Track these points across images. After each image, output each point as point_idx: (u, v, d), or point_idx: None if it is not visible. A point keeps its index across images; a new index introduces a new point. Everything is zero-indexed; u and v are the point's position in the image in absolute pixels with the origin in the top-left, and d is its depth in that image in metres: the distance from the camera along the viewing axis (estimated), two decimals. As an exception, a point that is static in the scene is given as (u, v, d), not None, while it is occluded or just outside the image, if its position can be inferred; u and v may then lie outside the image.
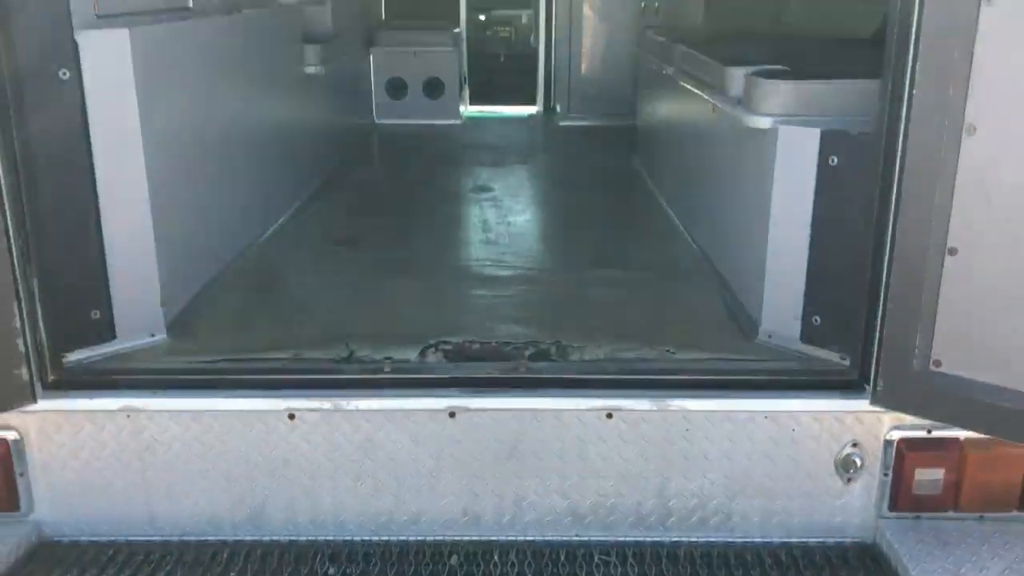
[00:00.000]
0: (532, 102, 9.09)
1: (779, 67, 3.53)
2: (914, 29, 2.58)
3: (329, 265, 4.29)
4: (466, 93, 8.77)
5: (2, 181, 2.74)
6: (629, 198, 5.67)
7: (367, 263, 4.30)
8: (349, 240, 4.65)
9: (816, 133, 3.10)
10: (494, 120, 8.72)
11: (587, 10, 8.29)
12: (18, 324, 2.82)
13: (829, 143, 3.07)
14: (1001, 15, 2.44)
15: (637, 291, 3.93)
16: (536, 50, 8.98)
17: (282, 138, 5.03)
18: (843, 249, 3.08)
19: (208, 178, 3.88)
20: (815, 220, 3.16)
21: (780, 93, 3.27)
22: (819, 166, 3.10)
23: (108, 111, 3.09)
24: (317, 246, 4.59)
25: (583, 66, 8.29)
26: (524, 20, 9.68)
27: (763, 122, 3.28)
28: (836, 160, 3.06)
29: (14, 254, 2.80)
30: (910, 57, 2.61)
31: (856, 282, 2.98)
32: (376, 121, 8.13)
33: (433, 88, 8.14)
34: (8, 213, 2.76)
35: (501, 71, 9.59)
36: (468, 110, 8.77)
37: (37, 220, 2.90)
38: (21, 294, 2.84)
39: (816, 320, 3.25)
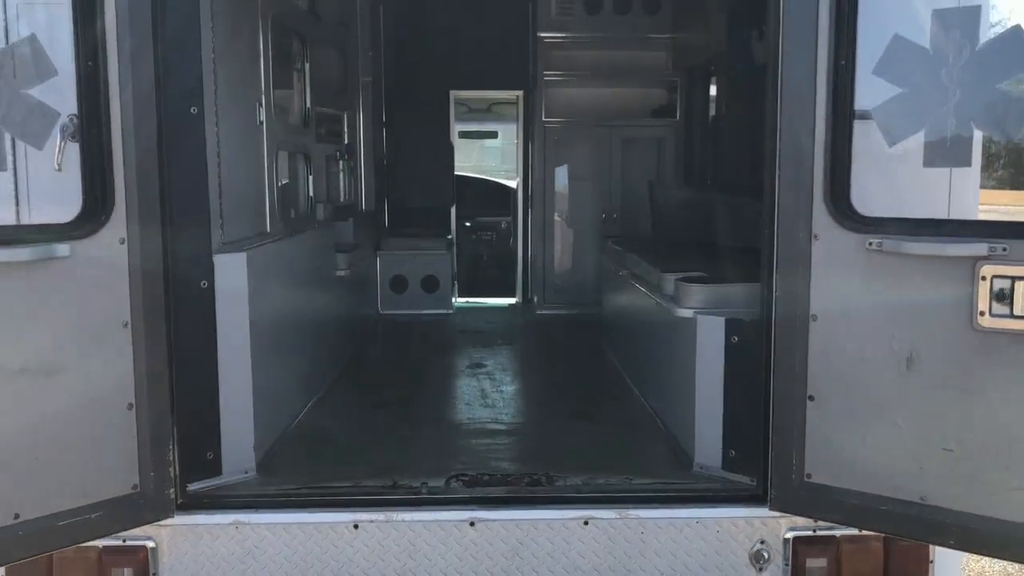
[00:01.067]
0: (512, 294, 10.58)
1: (699, 274, 4.97)
2: (775, 252, 4.01)
3: (368, 422, 5.54)
4: (456, 287, 10.25)
5: (167, 362, 4.01)
6: (596, 371, 7.00)
7: (396, 421, 5.55)
8: (378, 404, 5.92)
9: (722, 320, 4.48)
10: (480, 309, 10.18)
11: (557, 218, 9.94)
12: (171, 457, 4.03)
13: (731, 327, 4.45)
14: (824, 246, 3.87)
15: (603, 438, 5.20)
16: (515, 250, 10.58)
17: (323, 325, 6.38)
18: (747, 401, 4.38)
19: (283, 356, 5.18)
20: (726, 381, 4.49)
21: (698, 293, 4.69)
22: (726, 343, 4.47)
23: (228, 309, 4.41)
24: (355, 409, 5.85)
25: (555, 264, 9.84)
26: (504, 225, 11.33)
27: (687, 313, 4.68)
28: (736, 339, 4.43)
29: (172, 421, 4.05)
30: (774, 269, 4.02)
31: (756, 424, 4.26)
32: (380, 312, 9.54)
33: (429, 284, 9.60)
34: (168, 384, 4.02)
35: (485, 268, 11.15)
36: (458, 301, 10.22)
37: (180, 388, 4.14)
38: (173, 444, 4.06)
39: (732, 453, 4.51)
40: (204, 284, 4.32)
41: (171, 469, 4.04)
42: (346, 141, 8.58)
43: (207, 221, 4.32)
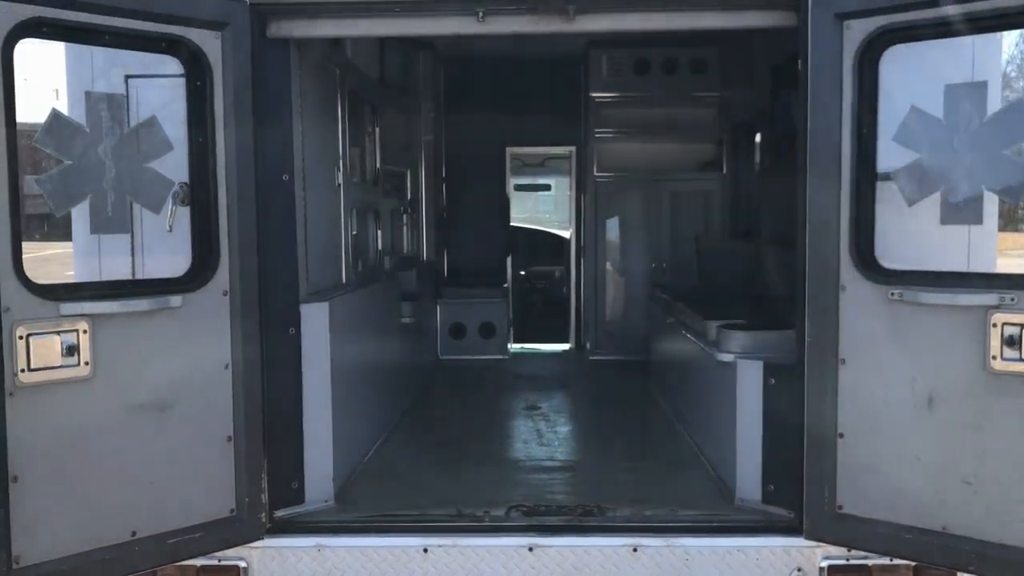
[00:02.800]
0: (565, 340, 11.03)
1: (739, 321, 5.37)
2: (806, 301, 4.40)
3: (432, 458, 6.00)
4: (512, 334, 10.72)
5: (260, 400, 4.52)
6: (645, 413, 7.38)
7: (458, 457, 6.00)
8: (441, 442, 6.38)
9: (760, 364, 4.87)
10: (535, 355, 10.64)
11: (609, 267, 10.37)
12: (263, 486, 4.53)
13: (769, 370, 4.83)
14: (850, 296, 4.26)
15: (651, 475, 5.59)
16: (568, 298, 11.05)
17: (390, 368, 6.89)
18: (784, 439, 4.73)
19: (357, 396, 5.68)
20: (764, 421, 4.86)
21: (738, 339, 5.09)
22: (764, 385, 4.85)
23: (312, 353, 4.92)
24: (420, 446, 6.33)
25: (607, 312, 10.26)
26: (557, 274, 11.80)
27: (728, 358, 5.08)
28: (774, 381, 4.81)
29: (264, 452, 4.55)
30: (806, 317, 4.41)
31: (792, 459, 4.62)
32: (440, 357, 10.04)
33: (487, 330, 10.09)
34: (261, 420, 4.53)
35: (540, 315, 11.61)
36: (513, 347, 10.68)
37: (269, 425, 4.64)
38: (264, 475, 4.56)
39: (771, 487, 4.86)
40: (292, 331, 4.83)
41: (263, 496, 4.54)
42: (409, 196, 9.16)
43: (296, 275, 4.85)
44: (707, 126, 9.96)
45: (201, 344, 4.31)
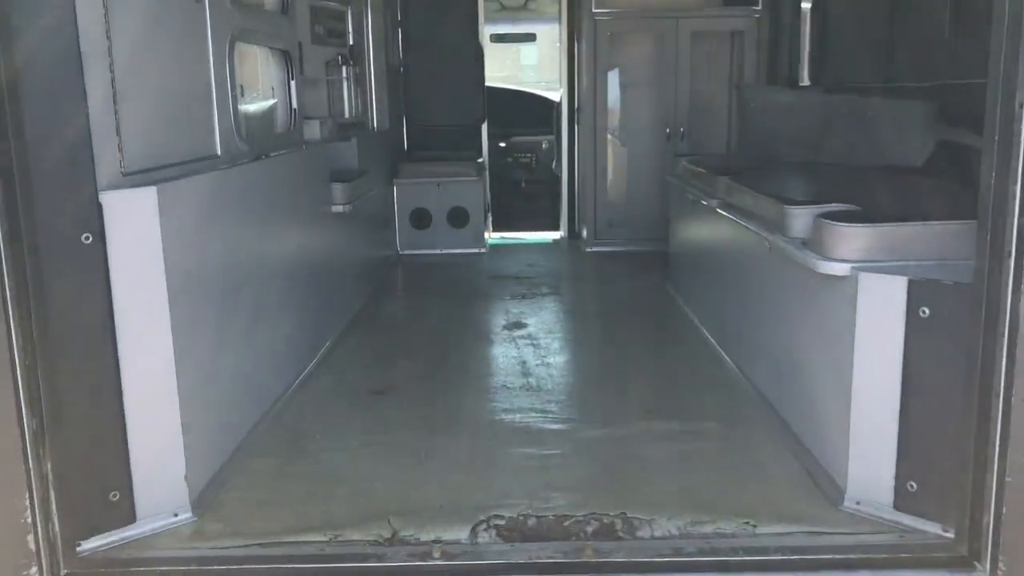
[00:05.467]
0: (556, 228, 8.96)
1: (850, 207, 3.31)
2: (1020, 174, 2.36)
3: (362, 421, 3.98)
4: (489, 221, 8.61)
5: (17, 360, 2.51)
6: (671, 332, 5.39)
7: (403, 418, 4.00)
8: (382, 390, 4.37)
9: (903, 282, 2.84)
10: (519, 247, 8.54)
11: (609, 135, 8.19)
12: (30, 518, 2.54)
13: (919, 293, 2.81)
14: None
15: (700, 447, 3.60)
16: (559, 175, 8.87)
17: (310, 280, 4.82)
18: (942, 408, 2.80)
19: (235, 332, 3.63)
20: (907, 375, 2.87)
21: (858, 237, 3.02)
22: (908, 317, 2.84)
23: (132, 274, 2.87)
24: (348, 398, 4.30)
25: (608, 191, 8.14)
26: (545, 146, 9.63)
27: (839, 268, 3.02)
28: (928, 311, 2.80)
29: (27, 439, 2.55)
30: (1017, 204, 2.38)
31: (959, 444, 2.68)
32: (400, 252, 7.97)
33: (457, 218, 8.00)
34: (22, 394, 2.52)
35: (523, 197, 9.50)
36: (491, 238, 8.59)
37: (53, 398, 2.66)
38: (33, 482, 2.57)
39: (912, 486, 2.92)
40: (87, 238, 2.77)
41: (48, 527, 2.57)
42: (351, 43, 6.91)
43: (85, 139, 2.73)
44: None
45: None
